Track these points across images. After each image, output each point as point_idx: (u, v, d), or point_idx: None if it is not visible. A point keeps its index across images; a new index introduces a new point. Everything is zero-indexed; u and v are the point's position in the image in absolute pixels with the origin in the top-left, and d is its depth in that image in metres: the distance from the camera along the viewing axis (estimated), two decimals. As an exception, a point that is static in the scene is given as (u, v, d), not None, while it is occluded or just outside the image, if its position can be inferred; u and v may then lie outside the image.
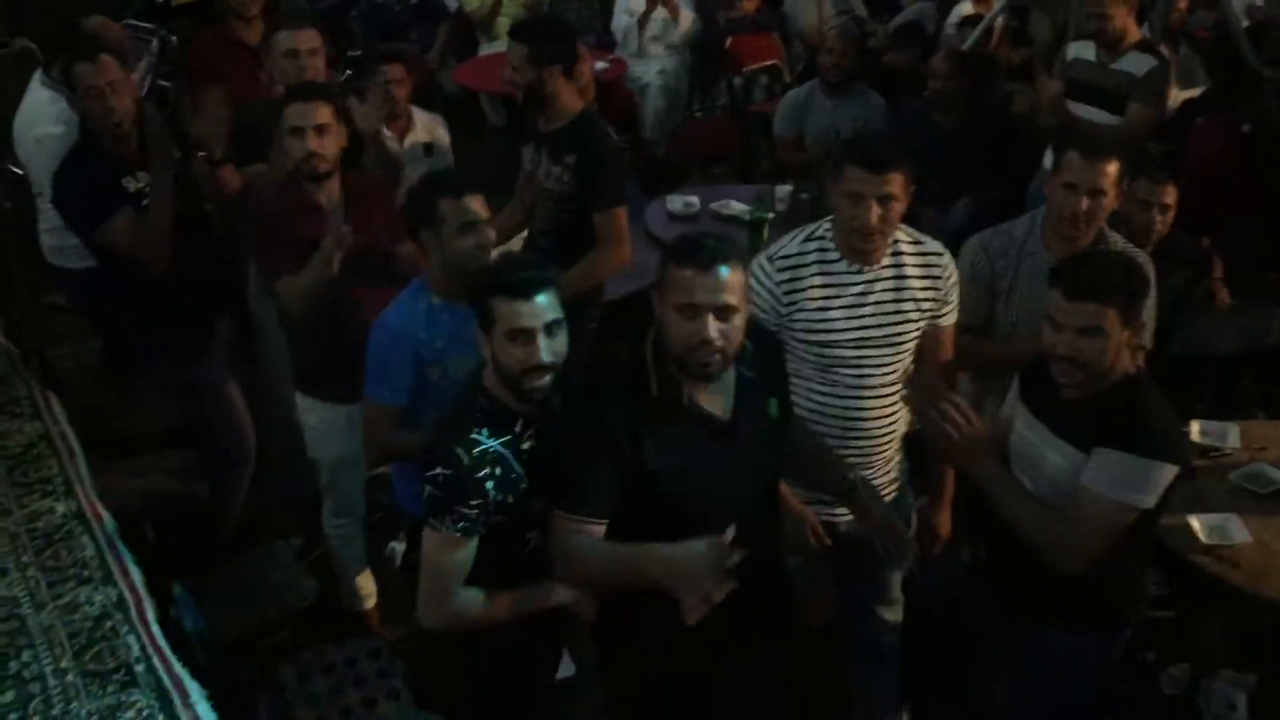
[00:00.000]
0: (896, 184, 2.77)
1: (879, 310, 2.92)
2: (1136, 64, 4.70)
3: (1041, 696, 2.88)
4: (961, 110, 5.28)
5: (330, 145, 3.36)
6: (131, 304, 3.88)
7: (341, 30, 7.71)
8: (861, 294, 2.91)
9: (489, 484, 2.41)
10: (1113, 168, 3.15)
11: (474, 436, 2.43)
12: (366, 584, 3.93)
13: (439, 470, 2.41)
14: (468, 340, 2.57)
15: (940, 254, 3.00)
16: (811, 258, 2.91)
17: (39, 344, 4.81)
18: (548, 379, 2.44)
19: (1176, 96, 5.72)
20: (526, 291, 2.40)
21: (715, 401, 2.47)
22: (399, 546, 3.84)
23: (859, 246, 2.86)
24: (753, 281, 2.76)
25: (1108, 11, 4.61)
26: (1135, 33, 4.84)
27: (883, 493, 3.03)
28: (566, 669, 3.66)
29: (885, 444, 3.05)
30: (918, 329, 2.98)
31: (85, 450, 3.64)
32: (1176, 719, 3.63)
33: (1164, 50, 5.28)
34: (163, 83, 6.83)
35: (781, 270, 2.90)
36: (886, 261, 2.92)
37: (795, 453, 2.76)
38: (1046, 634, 2.78)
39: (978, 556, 3.06)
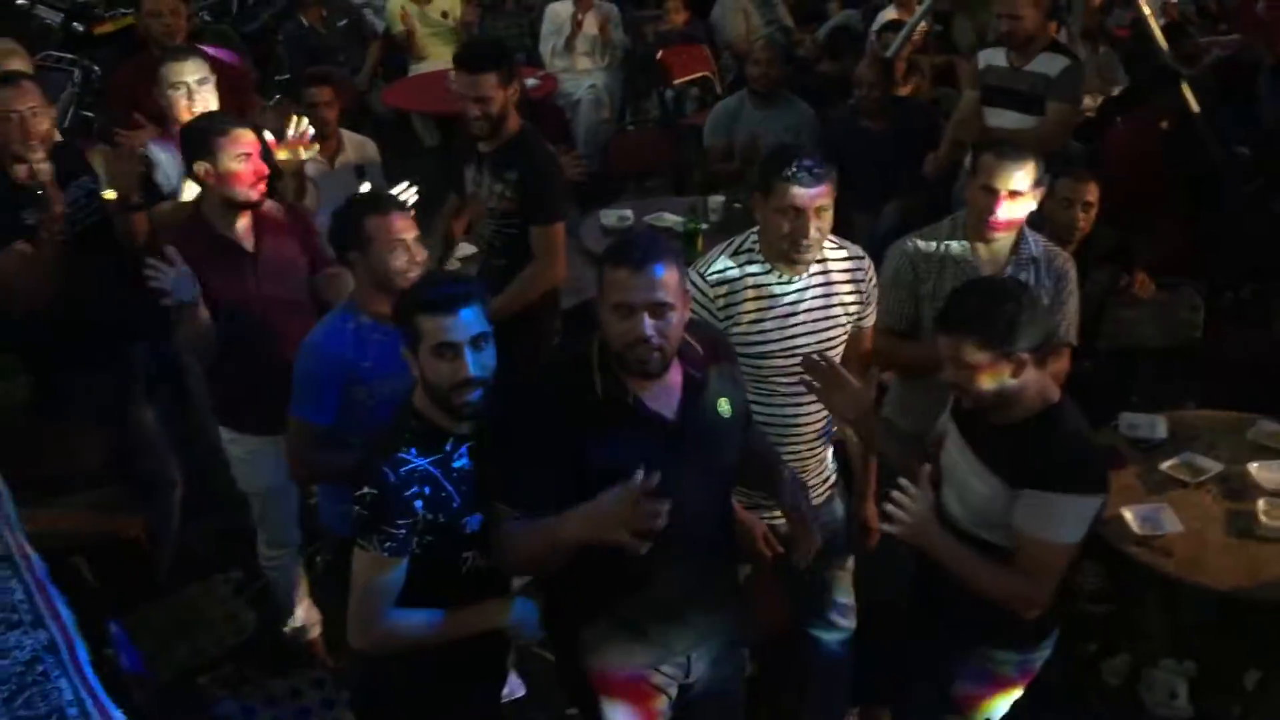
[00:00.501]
0: (829, 194, 2.83)
1: (810, 318, 2.97)
2: (1049, 65, 4.77)
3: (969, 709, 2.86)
4: (887, 115, 5.33)
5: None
6: (57, 340, 3.81)
7: (268, 55, 7.65)
8: (793, 304, 2.95)
9: (417, 503, 2.40)
10: (1028, 169, 3.19)
11: (401, 455, 2.41)
12: (308, 614, 3.88)
13: (366, 489, 2.40)
14: (397, 361, 2.55)
15: (861, 258, 3.06)
16: (744, 272, 2.94)
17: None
18: (478, 394, 2.43)
19: (1096, 96, 5.83)
20: (449, 306, 2.39)
21: (662, 402, 2.49)
22: (321, 561, 3.82)
23: (795, 258, 2.89)
24: None
25: (1019, 13, 4.68)
26: (1046, 34, 4.92)
27: (817, 493, 3.10)
28: (515, 690, 3.67)
29: (820, 446, 3.12)
30: (845, 333, 3.04)
31: (13, 491, 3.56)
32: (1119, 710, 3.66)
33: (1080, 50, 5.38)
34: (86, 113, 6.76)
35: (716, 286, 2.93)
36: (814, 270, 2.96)
37: (747, 457, 2.77)
38: (971, 651, 2.76)
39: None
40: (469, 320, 2.40)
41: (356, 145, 5.22)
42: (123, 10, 7.55)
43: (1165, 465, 3.57)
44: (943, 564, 2.61)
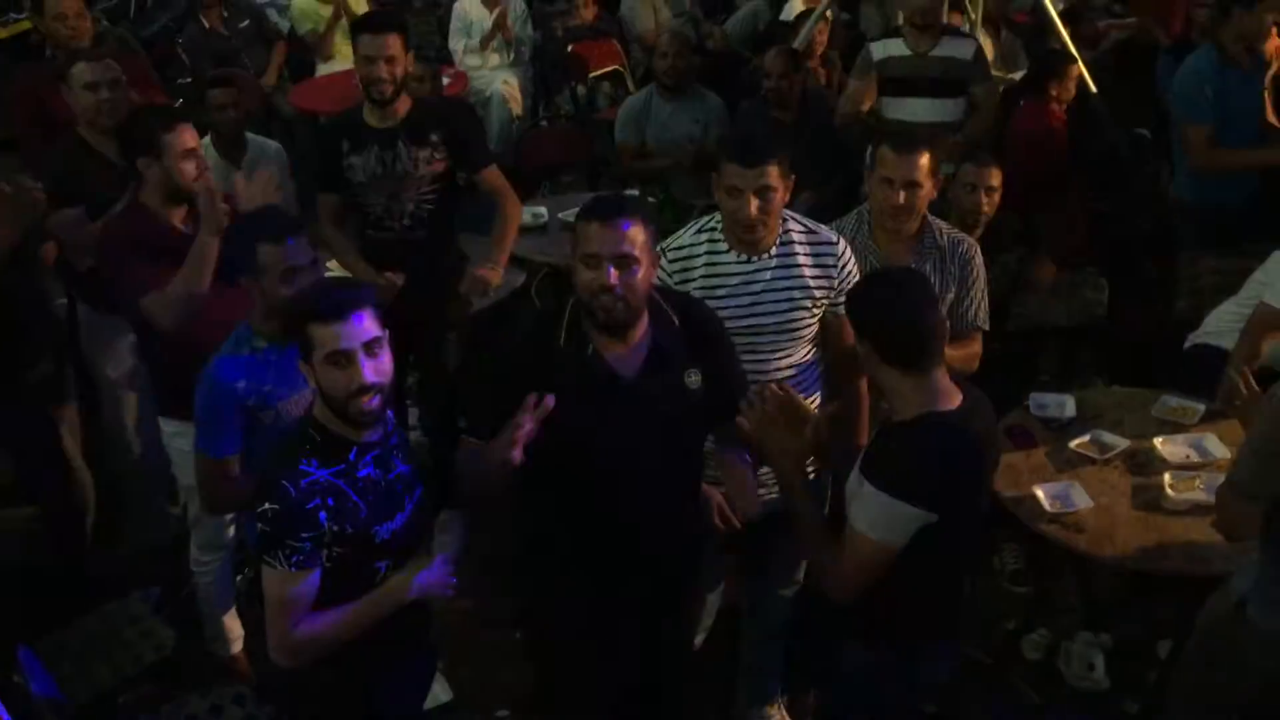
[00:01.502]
0: (773, 176, 2.89)
1: (769, 299, 3.02)
2: (958, 48, 4.83)
3: (844, 705, 2.87)
4: (795, 106, 5.36)
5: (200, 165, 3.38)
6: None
7: (169, 59, 7.47)
8: (747, 283, 3.00)
9: (321, 514, 2.36)
10: (925, 159, 3.25)
11: (303, 468, 2.37)
12: (233, 626, 3.81)
13: (267, 505, 2.35)
14: (298, 379, 2.51)
15: (833, 243, 3.10)
16: (701, 249, 3.03)
17: None
18: (375, 400, 2.39)
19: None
20: (341, 312, 2.35)
21: (624, 363, 2.58)
22: (240, 578, 3.72)
23: (744, 238, 2.97)
24: None
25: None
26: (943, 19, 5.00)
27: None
28: (442, 695, 3.65)
29: None
30: (812, 316, 3.07)
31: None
32: (1039, 683, 3.74)
33: (981, 37, 5.46)
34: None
35: (673, 262, 3.03)
36: (775, 251, 3.02)
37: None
38: (845, 646, 2.73)
39: None
40: (361, 326, 2.36)
41: (262, 148, 5.13)
42: (14, 15, 7.33)
43: (1074, 443, 3.62)
44: (783, 490, 2.62)
